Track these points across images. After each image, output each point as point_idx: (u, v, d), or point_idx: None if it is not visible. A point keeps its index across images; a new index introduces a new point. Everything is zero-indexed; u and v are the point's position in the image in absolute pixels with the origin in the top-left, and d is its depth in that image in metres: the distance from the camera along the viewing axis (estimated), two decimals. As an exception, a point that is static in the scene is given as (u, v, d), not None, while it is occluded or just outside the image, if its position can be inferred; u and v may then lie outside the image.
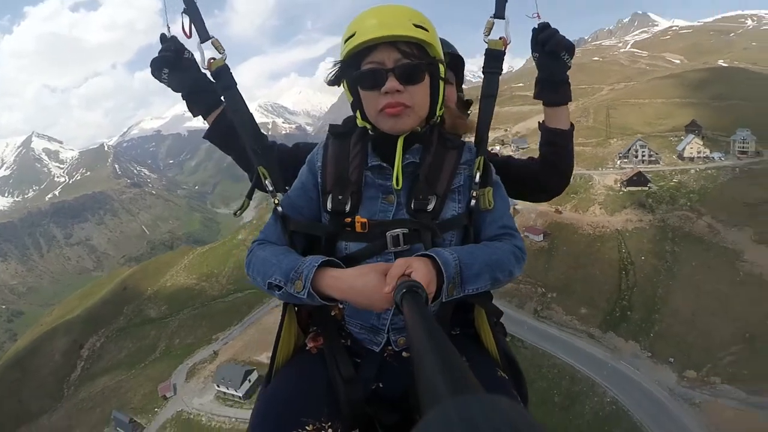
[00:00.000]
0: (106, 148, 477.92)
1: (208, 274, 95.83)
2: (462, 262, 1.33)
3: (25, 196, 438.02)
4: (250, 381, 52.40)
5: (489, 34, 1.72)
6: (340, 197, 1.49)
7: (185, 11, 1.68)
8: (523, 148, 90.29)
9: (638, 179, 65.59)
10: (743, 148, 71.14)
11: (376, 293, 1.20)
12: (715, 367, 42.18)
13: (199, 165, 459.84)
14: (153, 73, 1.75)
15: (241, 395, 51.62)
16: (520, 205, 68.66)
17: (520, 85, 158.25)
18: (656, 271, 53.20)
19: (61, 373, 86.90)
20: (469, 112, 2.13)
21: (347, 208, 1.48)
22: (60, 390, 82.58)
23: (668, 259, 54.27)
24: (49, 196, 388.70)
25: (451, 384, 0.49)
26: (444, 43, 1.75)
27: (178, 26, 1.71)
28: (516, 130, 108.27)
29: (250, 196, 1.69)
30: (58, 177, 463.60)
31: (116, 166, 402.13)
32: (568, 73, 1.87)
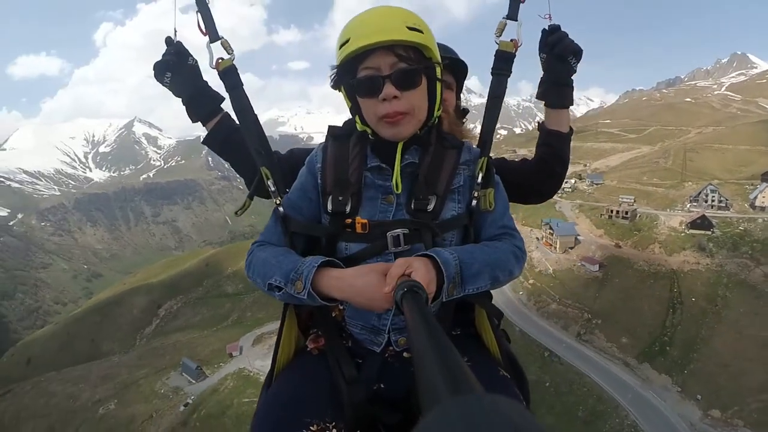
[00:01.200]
0: (201, 141, 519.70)
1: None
2: (462, 262, 1.33)
3: (122, 173, 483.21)
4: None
5: (500, 35, 1.75)
6: (340, 198, 1.50)
7: (198, 10, 1.73)
8: (598, 184, 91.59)
9: (702, 223, 65.77)
10: (820, 204, 69.29)
11: (377, 293, 1.20)
12: (741, 411, 42.98)
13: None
14: (156, 76, 1.81)
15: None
16: (582, 236, 71.17)
17: (608, 121, 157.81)
18: (704, 313, 53.96)
19: (137, 325, 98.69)
20: (464, 120, 2.23)
21: (347, 209, 1.49)
22: (133, 339, 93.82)
23: (719, 303, 54.71)
24: (144, 176, 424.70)
25: (452, 384, 0.49)
26: (445, 48, 1.98)
27: (187, 29, 1.85)
28: (595, 167, 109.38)
29: (251, 197, 1.74)
30: (154, 161, 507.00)
31: (209, 158, 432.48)
32: (572, 77, 1.90)
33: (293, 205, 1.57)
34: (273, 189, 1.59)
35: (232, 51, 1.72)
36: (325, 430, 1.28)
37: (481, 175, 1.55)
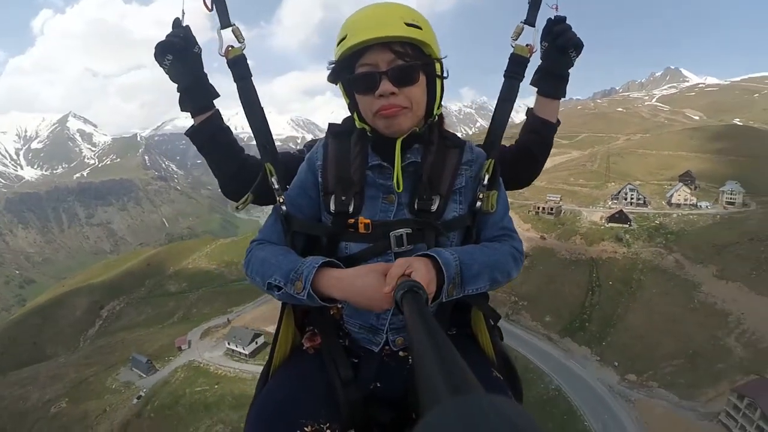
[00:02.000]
0: (138, 139, 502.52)
1: (228, 262, 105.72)
2: (462, 263, 1.33)
3: (54, 172, 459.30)
4: (257, 343, 60.62)
5: (517, 39, 1.76)
6: (343, 198, 1.49)
7: None
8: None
9: (619, 217, 73.48)
10: (730, 199, 78.73)
11: (377, 293, 1.20)
12: (655, 374, 49.54)
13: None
14: (156, 56, 1.70)
15: (247, 353, 59.84)
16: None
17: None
18: (620, 294, 60.96)
19: (80, 326, 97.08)
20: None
21: (350, 208, 1.48)
22: (77, 341, 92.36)
23: (633, 285, 61.87)
24: (77, 175, 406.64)
25: (451, 384, 0.49)
26: None
27: (195, 15, 1.78)
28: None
29: (255, 191, 1.64)
30: (88, 159, 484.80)
31: (146, 157, 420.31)
32: (569, 70, 1.91)
33: (293, 203, 1.57)
34: (276, 186, 1.57)
35: (243, 39, 1.68)
36: (319, 430, 1.28)
37: (487, 177, 1.55)
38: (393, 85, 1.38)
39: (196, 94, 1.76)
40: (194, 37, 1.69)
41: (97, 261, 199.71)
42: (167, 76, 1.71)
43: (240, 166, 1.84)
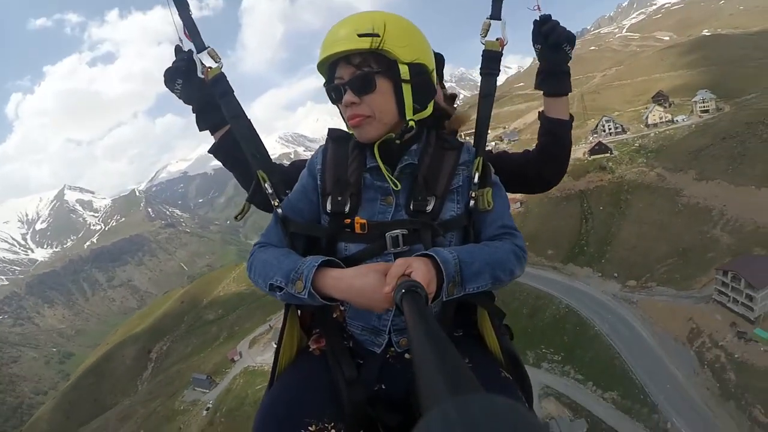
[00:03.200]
0: (137, 194, 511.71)
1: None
2: (462, 261, 1.35)
3: (64, 246, 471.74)
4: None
5: (486, 36, 1.78)
6: (339, 198, 1.53)
7: (181, 18, 1.77)
8: (514, 141, 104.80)
9: (599, 148, 79.76)
10: (704, 107, 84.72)
11: (376, 293, 1.22)
12: (652, 276, 55.90)
13: (229, 201, 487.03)
14: (166, 83, 1.84)
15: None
16: None
17: (521, 84, 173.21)
18: (611, 216, 67.39)
19: (134, 373, 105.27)
20: (456, 104, 2.23)
21: (346, 209, 1.52)
22: (134, 386, 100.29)
23: (622, 206, 68.23)
24: (88, 243, 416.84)
25: (451, 384, 0.50)
26: None
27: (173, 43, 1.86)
28: (514, 127, 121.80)
29: (251, 200, 1.72)
30: (94, 225, 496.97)
31: (149, 209, 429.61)
32: (569, 64, 1.95)
33: (294, 207, 1.61)
34: (270, 191, 1.63)
35: (220, 59, 1.79)
36: (324, 430, 1.31)
37: (477, 175, 1.58)
38: (354, 94, 1.46)
39: (210, 112, 1.91)
40: (199, 58, 1.83)
41: (127, 319, 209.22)
42: (180, 100, 1.88)
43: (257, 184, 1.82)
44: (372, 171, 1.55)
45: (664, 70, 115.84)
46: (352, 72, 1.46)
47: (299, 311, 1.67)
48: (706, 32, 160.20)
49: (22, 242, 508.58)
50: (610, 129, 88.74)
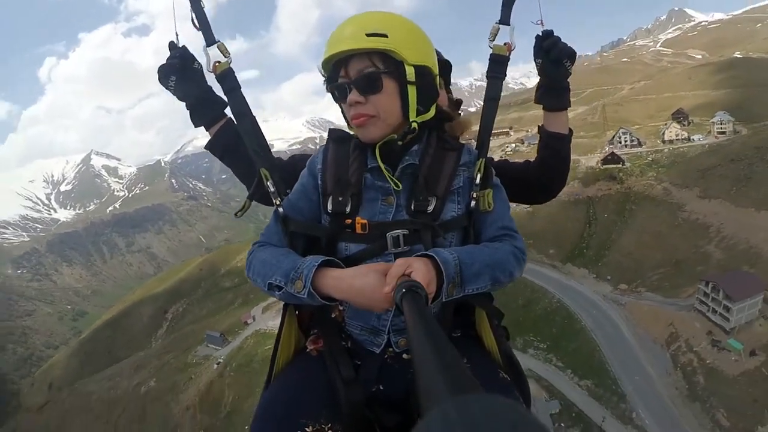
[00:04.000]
0: (162, 164, 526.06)
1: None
2: (462, 262, 1.35)
3: (87, 209, 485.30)
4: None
5: (494, 40, 1.80)
6: (340, 199, 1.53)
7: (192, 10, 1.76)
8: (534, 144, 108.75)
9: (612, 158, 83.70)
10: (721, 128, 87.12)
11: (376, 293, 1.22)
12: (643, 282, 60.14)
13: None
14: (160, 80, 1.82)
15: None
16: None
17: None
18: (614, 223, 71.71)
19: (149, 330, 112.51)
20: (460, 111, 2.25)
21: (347, 209, 1.52)
22: (148, 342, 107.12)
23: (626, 215, 72.39)
24: (110, 208, 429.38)
25: (451, 384, 0.50)
26: None
27: (189, 34, 1.84)
28: (536, 131, 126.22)
29: (252, 198, 1.75)
30: (117, 191, 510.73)
31: (173, 180, 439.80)
32: (569, 80, 1.98)
33: (294, 206, 1.62)
34: (272, 190, 1.63)
35: (229, 54, 1.79)
36: (321, 431, 1.31)
37: (479, 176, 1.59)
38: (360, 93, 1.46)
39: (204, 107, 1.91)
40: (192, 55, 1.84)
41: (146, 282, 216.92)
42: (174, 96, 1.88)
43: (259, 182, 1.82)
44: (373, 171, 1.56)
45: (690, 89, 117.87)
46: (357, 71, 1.47)
47: (297, 311, 1.69)
48: (738, 54, 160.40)
49: (46, 202, 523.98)
50: (626, 141, 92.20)
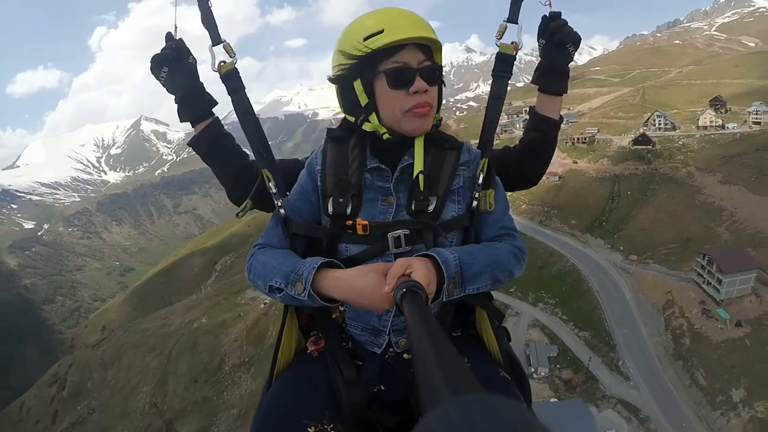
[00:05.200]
0: (188, 143, 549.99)
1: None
2: (462, 262, 1.38)
3: (136, 172, 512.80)
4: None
5: (501, 38, 1.82)
6: (340, 200, 1.55)
7: (199, 9, 1.79)
8: (572, 122, 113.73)
9: (643, 140, 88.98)
10: (756, 119, 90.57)
11: (376, 293, 1.24)
12: (652, 255, 66.66)
13: (297, 146, 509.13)
14: (152, 70, 1.81)
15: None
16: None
17: (597, 68, 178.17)
18: (635, 201, 77.83)
19: (199, 279, 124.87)
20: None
21: (348, 210, 1.54)
22: (198, 290, 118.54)
23: (648, 194, 78.27)
24: (159, 171, 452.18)
25: (452, 384, 0.50)
26: None
27: (190, 25, 1.89)
28: (578, 110, 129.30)
29: (253, 198, 1.76)
30: (166, 155, 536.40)
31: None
32: (570, 65, 1.97)
33: (293, 208, 1.64)
34: (274, 191, 1.65)
35: (234, 54, 1.81)
36: (323, 431, 1.33)
37: (482, 176, 1.61)
38: (425, 83, 1.49)
39: (193, 103, 1.89)
40: (188, 48, 1.83)
41: (197, 238, 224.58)
42: (164, 88, 1.87)
43: (244, 172, 1.92)
44: (372, 171, 1.58)
45: (735, 77, 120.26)
46: (421, 60, 1.49)
47: (297, 312, 1.72)
48: None
49: (96, 165, 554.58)
50: (660, 124, 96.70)
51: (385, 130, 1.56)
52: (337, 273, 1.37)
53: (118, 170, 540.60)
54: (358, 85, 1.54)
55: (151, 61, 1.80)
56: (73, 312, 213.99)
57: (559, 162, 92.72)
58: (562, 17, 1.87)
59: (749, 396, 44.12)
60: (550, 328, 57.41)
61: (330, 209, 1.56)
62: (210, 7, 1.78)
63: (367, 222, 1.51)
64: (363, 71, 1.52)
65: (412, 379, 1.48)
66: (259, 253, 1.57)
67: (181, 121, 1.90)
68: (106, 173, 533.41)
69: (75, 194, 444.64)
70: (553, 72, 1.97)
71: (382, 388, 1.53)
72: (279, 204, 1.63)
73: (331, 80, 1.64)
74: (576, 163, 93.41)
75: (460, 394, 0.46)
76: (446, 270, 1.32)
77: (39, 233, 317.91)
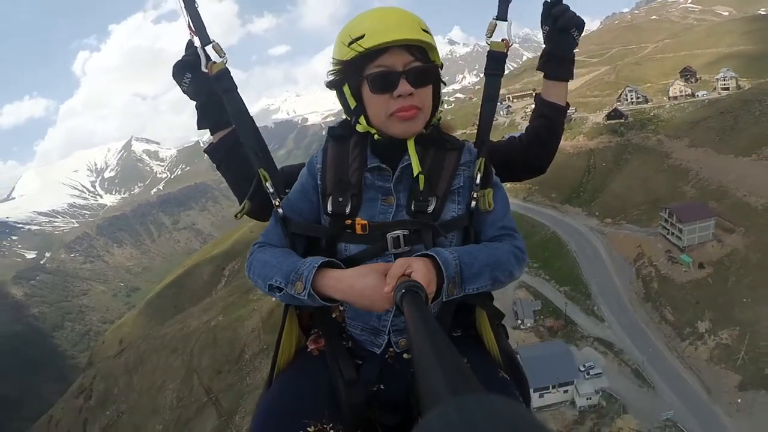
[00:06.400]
0: (201, 144, 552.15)
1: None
2: (462, 262, 1.40)
3: (132, 192, 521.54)
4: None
5: (491, 36, 1.83)
6: (340, 199, 1.57)
7: (186, 11, 1.80)
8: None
9: (615, 114, 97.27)
10: (724, 85, 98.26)
11: (376, 293, 1.26)
12: (625, 216, 74.84)
13: (289, 153, 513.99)
14: (174, 76, 1.88)
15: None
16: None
17: (576, 50, 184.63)
18: (610, 171, 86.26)
19: (210, 286, 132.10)
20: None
21: (347, 210, 1.56)
22: (210, 296, 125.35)
23: (621, 163, 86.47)
24: (154, 190, 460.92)
25: (451, 384, 0.51)
26: None
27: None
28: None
29: (251, 198, 1.77)
30: (160, 173, 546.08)
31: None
32: (575, 50, 2.02)
33: (293, 207, 1.67)
34: (272, 191, 1.66)
35: (225, 54, 1.80)
36: (323, 431, 1.34)
37: (479, 176, 1.63)
38: (411, 85, 1.49)
39: (214, 109, 1.93)
40: (208, 55, 1.83)
41: (203, 248, 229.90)
42: (185, 95, 1.92)
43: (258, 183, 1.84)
44: (373, 171, 1.60)
45: (707, 46, 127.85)
46: (407, 62, 1.50)
47: (298, 311, 1.75)
48: (762, 11, 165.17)
49: (92, 189, 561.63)
50: (632, 99, 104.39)
51: (375, 131, 1.62)
52: (337, 273, 1.40)
53: (113, 192, 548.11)
54: (346, 89, 1.60)
55: (174, 67, 1.92)
56: (83, 336, 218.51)
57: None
58: (563, 2, 1.93)
59: (714, 326, 51.58)
60: (534, 287, 65.15)
61: (329, 208, 1.60)
62: (197, 8, 1.82)
63: (366, 222, 1.55)
64: (349, 76, 1.57)
65: (412, 379, 1.51)
66: (259, 252, 1.63)
67: (200, 128, 2.01)
68: (102, 197, 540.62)
69: (73, 220, 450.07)
70: (558, 58, 2.02)
71: (382, 387, 1.56)
72: (277, 203, 1.67)
73: (326, 85, 1.69)
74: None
75: (460, 394, 0.46)
76: (446, 270, 1.34)
77: (41, 262, 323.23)
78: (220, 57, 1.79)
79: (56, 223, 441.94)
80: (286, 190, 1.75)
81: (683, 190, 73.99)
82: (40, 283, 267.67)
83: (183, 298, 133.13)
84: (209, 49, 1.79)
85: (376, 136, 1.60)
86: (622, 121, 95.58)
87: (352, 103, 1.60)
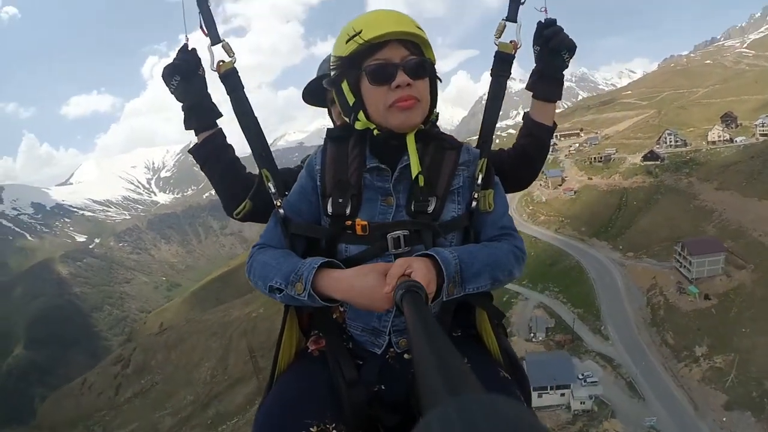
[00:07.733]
0: (188, 150, 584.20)
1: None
2: (462, 262, 1.41)
3: (185, 194, 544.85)
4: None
5: (500, 37, 1.85)
6: (340, 200, 1.58)
7: (200, 12, 1.82)
8: (594, 144, 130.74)
9: (651, 156, 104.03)
10: (763, 131, 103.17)
11: (376, 293, 1.28)
12: (647, 252, 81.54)
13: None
14: (164, 77, 1.87)
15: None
16: (569, 176, 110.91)
17: (629, 92, 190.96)
18: (639, 210, 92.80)
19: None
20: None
21: (347, 210, 1.58)
22: (252, 291, 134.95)
23: (652, 202, 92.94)
24: (207, 194, 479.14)
25: (451, 384, 0.51)
26: None
27: (197, 37, 1.89)
28: (605, 133, 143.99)
29: (252, 198, 1.81)
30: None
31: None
32: (565, 72, 2.00)
33: (293, 208, 1.68)
34: (273, 191, 1.69)
35: (233, 54, 1.83)
36: (325, 431, 1.36)
37: (481, 176, 1.66)
38: (408, 77, 1.51)
39: (200, 112, 1.93)
40: (200, 59, 1.87)
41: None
42: (173, 96, 1.93)
43: (242, 185, 1.96)
44: (372, 171, 1.62)
45: (754, 92, 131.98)
46: (404, 55, 1.53)
47: (298, 312, 1.75)
48: None
49: (147, 186, 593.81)
50: (670, 142, 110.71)
51: (374, 126, 1.62)
52: (337, 273, 1.42)
53: (167, 192, 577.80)
54: (345, 86, 1.62)
55: (163, 69, 1.90)
56: (119, 321, 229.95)
57: (576, 179, 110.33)
58: (556, 24, 1.94)
59: (710, 351, 56.28)
60: (551, 308, 72.39)
61: (329, 209, 1.61)
62: (209, 6, 1.84)
63: (366, 222, 1.56)
64: (348, 72, 1.59)
65: (413, 379, 1.52)
66: (258, 254, 1.63)
67: (186, 129, 2.00)
68: (156, 194, 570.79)
69: (126, 212, 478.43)
70: (548, 79, 2.01)
71: (383, 388, 1.57)
72: (278, 204, 1.69)
73: (325, 84, 1.75)
74: (591, 179, 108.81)
75: (460, 394, 0.46)
76: (446, 269, 1.36)
77: (90, 246, 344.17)
78: (229, 56, 1.84)
79: (109, 213, 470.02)
80: (286, 191, 1.79)
81: (705, 229, 79.32)
82: (85, 265, 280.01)
83: (226, 293, 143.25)
84: (218, 48, 1.84)
85: (375, 132, 1.62)
86: (658, 162, 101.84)
87: (351, 99, 1.62)
